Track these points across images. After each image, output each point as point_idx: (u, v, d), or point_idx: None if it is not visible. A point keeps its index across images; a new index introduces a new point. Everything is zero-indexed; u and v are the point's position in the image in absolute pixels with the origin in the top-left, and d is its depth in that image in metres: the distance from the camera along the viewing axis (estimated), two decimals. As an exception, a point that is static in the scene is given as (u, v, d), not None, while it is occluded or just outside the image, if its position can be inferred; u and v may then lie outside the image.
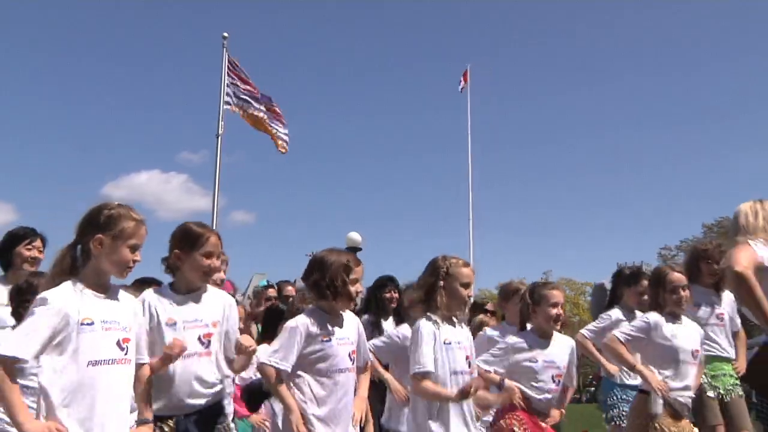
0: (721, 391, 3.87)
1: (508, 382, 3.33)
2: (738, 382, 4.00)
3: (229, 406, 3.99)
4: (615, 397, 4.18)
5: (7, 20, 49.05)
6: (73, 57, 53.13)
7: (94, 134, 52.88)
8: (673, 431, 3.38)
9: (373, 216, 52.19)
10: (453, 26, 60.77)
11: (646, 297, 4.08)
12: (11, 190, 46.94)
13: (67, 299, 2.27)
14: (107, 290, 2.42)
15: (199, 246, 2.76)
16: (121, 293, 2.51)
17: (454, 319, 3.25)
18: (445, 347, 3.11)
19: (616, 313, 4.26)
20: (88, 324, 2.27)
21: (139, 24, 54.52)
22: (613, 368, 4.11)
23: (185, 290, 2.79)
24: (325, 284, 2.95)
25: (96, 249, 2.35)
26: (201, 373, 2.71)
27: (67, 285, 2.32)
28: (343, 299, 2.99)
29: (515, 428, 3.22)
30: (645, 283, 4.17)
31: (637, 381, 3.89)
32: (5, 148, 49.22)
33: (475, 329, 4.72)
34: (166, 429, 2.62)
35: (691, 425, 3.52)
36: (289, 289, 5.69)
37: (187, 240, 2.78)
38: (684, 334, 3.57)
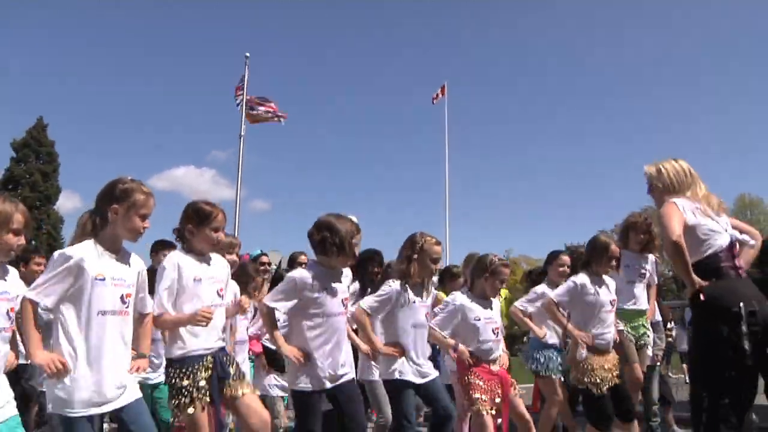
0: (636, 338, 4.80)
1: (461, 347, 3.90)
2: (647, 332, 4.86)
3: (245, 345, 4.55)
4: (542, 353, 4.81)
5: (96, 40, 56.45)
6: (137, 76, 61.78)
7: (143, 136, 60.84)
8: (598, 364, 4.05)
9: (364, 199, 58.88)
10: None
11: (565, 269, 4.86)
12: (77, 181, 53.82)
13: (85, 255, 2.55)
14: (119, 252, 2.70)
15: (209, 222, 3.10)
16: (132, 256, 2.79)
17: (426, 284, 3.85)
18: (410, 305, 3.73)
19: (542, 287, 4.86)
20: (100, 279, 2.56)
21: (181, 48, 63.47)
22: (541, 332, 4.75)
23: (198, 254, 3.15)
24: (332, 242, 3.24)
25: (113, 217, 2.63)
26: (220, 321, 3.14)
27: (88, 243, 2.61)
28: (345, 257, 3.31)
29: (474, 380, 3.84)
30: (563, 258, 4.93)
31: (554, 341, 4.79)
32: (75, 146, 56.26)
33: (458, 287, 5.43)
34: (208, 364, 3.03)
35: (615, 356, 4.20)
36: (303, 258, 6.54)
37: (199, 217, 3.10)
38: (604, 290, 4.24)
